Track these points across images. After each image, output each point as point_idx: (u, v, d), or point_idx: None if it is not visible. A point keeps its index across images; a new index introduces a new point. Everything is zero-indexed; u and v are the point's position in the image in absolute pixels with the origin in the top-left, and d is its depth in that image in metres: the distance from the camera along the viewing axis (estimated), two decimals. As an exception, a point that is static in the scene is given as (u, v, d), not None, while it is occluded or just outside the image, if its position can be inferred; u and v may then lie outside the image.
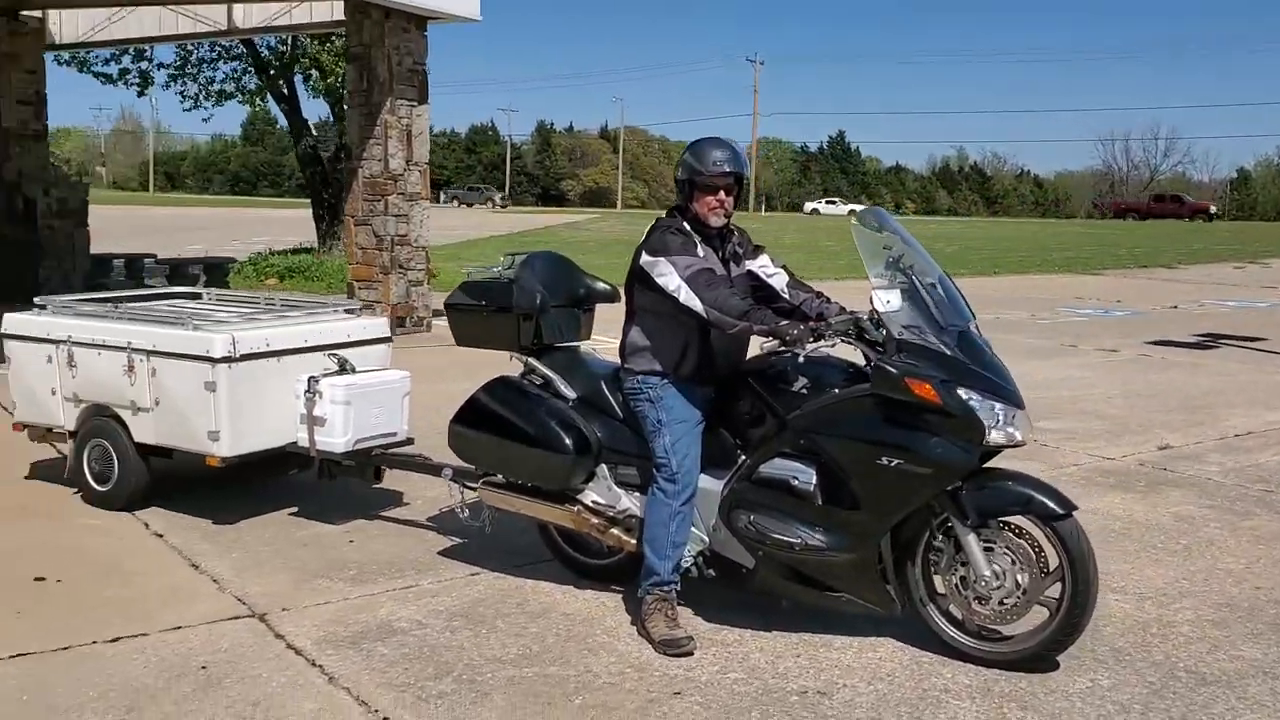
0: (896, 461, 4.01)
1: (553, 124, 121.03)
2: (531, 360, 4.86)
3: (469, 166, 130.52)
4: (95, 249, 17.09)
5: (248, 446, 5.47)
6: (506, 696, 3.81)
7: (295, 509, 5.91)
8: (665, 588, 4.33)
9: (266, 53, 19.93)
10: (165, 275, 17.96)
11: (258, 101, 21.31)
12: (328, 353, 5.61)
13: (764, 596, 4.43)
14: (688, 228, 4.39)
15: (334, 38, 17.60)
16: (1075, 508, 4.01)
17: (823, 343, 4.14)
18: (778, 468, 4.24)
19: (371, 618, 4.47)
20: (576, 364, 4.86)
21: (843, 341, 4.18)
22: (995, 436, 3.97)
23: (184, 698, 3.74)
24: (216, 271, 18.28)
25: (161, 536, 5.45)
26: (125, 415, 5.66)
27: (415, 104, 12.60)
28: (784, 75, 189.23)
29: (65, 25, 16.55)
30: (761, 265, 4.63)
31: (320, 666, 4.02)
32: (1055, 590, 4.02)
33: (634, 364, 4.47)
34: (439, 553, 5.29)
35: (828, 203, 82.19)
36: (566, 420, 4.62)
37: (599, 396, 4.69)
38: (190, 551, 5.23)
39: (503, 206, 74.80)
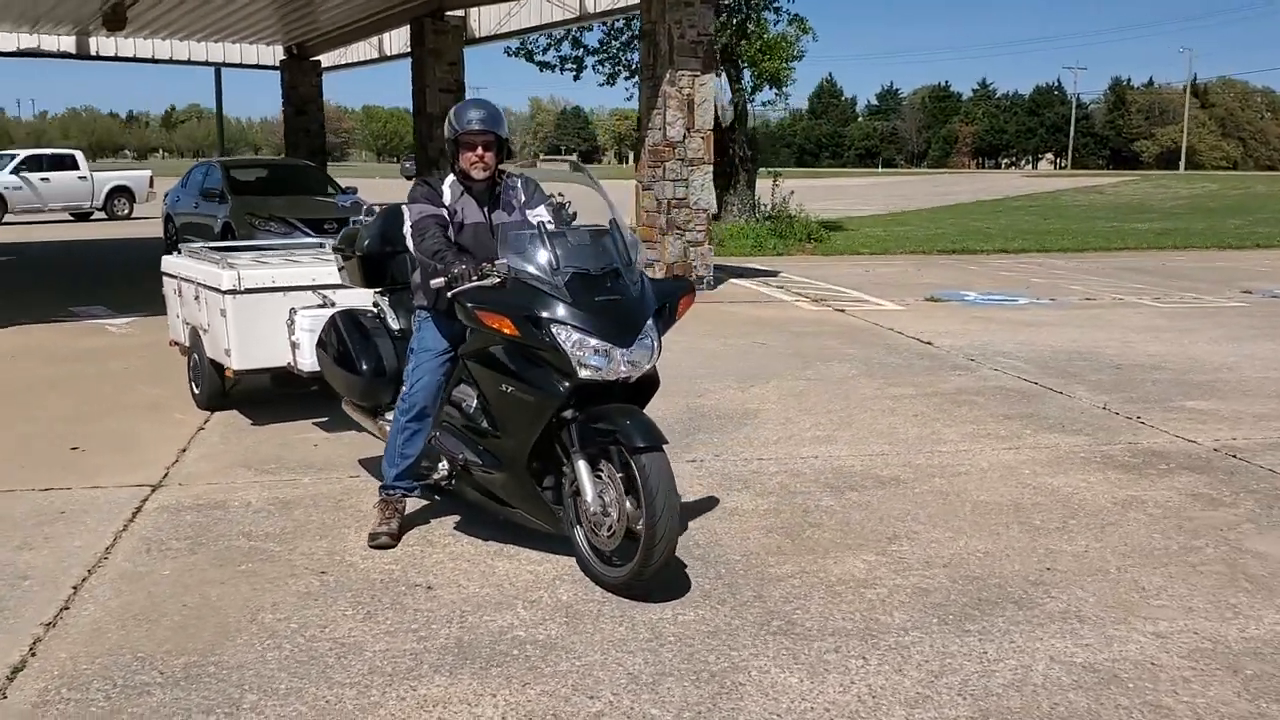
0: (511, 388, 4.39)
1: (1129, 79, 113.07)
2: (376, 296, 5.69)
3: (1029, 129, 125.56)
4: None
5: (253, 363, 6.82)
6: (205, 556, 4.74)
7: (327, 419, 7.17)
8: (389, 491, 5.01)
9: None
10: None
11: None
12: (316, 290, 6.78)
13: (475, 508, 4.95)
14: (447, 180, 4.99)
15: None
16: (664, 442, 4.14)
17: (485, 282, 4.58)
18: (460, 391, 4.76)
19: (223, 497, 5.57)
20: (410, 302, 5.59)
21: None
22: (586, 370, 4.21)
23: (18, 526, 5.09)
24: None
25: (203, 429, 6.97)
26: (201, 335, 7.26)
27: (698, 74, 13.36)
28: None
29: (483, 21, 19.28)
30: (537, 214, 5.08)
31: (130, 521, 5.18)
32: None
33: (415, 299, 5.16)
34: (359, 460, 6.27)
35: None
36: (371, 348, 5.42)
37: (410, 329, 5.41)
38: (200, 440, 6.67)
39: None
